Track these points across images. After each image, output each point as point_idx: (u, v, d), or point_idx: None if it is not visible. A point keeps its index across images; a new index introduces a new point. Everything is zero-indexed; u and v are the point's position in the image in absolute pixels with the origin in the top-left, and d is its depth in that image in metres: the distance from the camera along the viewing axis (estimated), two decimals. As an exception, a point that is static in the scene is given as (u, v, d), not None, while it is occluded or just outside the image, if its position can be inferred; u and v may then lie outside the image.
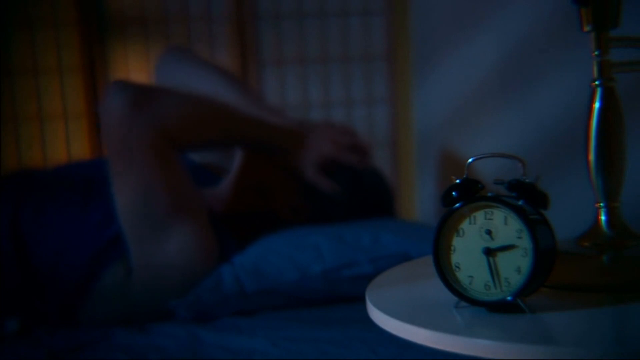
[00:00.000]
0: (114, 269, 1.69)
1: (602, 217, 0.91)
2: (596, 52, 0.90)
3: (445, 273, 0.82)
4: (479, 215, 0.82)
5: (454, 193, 0.82)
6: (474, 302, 0.81)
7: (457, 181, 0.83)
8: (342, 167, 1.95)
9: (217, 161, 2.12)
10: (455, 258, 0.82)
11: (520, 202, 0.80)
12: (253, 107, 2.03)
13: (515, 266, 0.79)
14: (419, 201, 2.80)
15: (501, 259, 0.80)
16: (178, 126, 1.73)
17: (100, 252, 1.71)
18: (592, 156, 0.91)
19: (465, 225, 0.82)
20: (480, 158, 0.83)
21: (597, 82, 0.91)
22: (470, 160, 0.83)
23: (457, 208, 0.82)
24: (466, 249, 0.82)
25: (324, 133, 1.95)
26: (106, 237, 1.73)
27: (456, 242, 0.83)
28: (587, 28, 0.90)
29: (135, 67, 2.68)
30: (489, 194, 0.81)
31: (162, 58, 2.22)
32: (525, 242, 0.79)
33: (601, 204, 0.91)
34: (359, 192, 1.98)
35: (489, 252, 0.81)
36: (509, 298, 0.79)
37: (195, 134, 1.78)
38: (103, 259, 1.70)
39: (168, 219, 1.66)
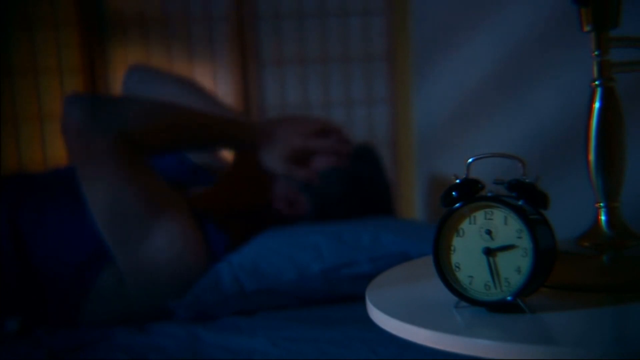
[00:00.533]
0: (110, 268, 1.69)
1: (602, 217, 0.91)
2: (596, 52, 0.90)
3: (445, 273, 0.82)
4: (479, 215, 0.82)
5: (454, 193, 0.82)
6: (474, 302, 0.81)
7: (457, 181, 0.83)
8: (324, 158, 1.95)
9: (215, 161, 2.13)
10: (455, 258, 0.82)
11: (520, 202, 0.80)
12: (213, 107, 2.06)
13: (515, 266, 0.79)
14: (419, 201, 2.80)
15: (501, 259, 0.80)
16: (139, 131, 1.74)
17: (98, 251, 1.71)
18: (592, 156, 0.91)
19: (465, 225, 0.82)
20: (480, 158, 0.83)
21: (597, 82, 0.91)
22: (470, 160, 0.83)
23: (457, 208, 0.82)
24: (466, 249, 0.82)
25: (288, 125, 1.95)
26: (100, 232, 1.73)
27: (456, 242, 0.83)
28: (587, 28, 0.90)
29: (135, 67, 2.68)
30: (489, 194, 0.81)
31: (126, 75, 2.25)
32: (525, 242, 0.79)
33: (601, 204, 0.91)
34: (352, 183, 1.98)
35: (489, 252, 0.81)
36: (509, 298, 0.79)
37: (156, 136, 1.80)
38: (101, 258, 1.70)
39: (144, 220, 1.67)
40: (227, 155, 2.20)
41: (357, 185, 2.00)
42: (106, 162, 1.68)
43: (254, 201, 1.96)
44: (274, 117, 2.22)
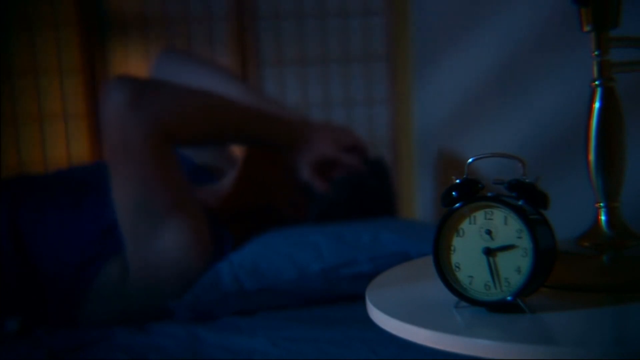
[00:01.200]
0: (109, 268, 1.69)
1: (602, 217, 0.91)
2: (596, 52, 0.90)
3: (445, 273, 0.82)
4: (479, 215, 0.82)
5: (454, 193, 0.82)
6: (474, 302, 0.81)
7: (457, 181, 0.83)
8: (345, 171, 1.95)
9: (214, 161, 2.13)
10: (455, 258, 0.83)
11: (520, 202, 0.80)
12: (258, 101, 2.02)
13: (515, 266, 0.79)
14: (419, 201, 2.80)
15: (501, 259, 0.80)
16: (176, 122, 1.73)
17: (98, 251, 1.71)
18: (592, 156, 0.91)
19: (465, 225, 0.82)
20: (480, 158, 0.83)
21: (597, 82, 0.91)
22: (470, 160, 0.83)
23: (457, 208, 0.82)
24: (466, 249, 0.82)
25: (326, 134, 1.95)
26: (99, 231, 1.73)
27: (456, 242, 0.83)
28: (587, 28, 0.90)
29: (136, 67, 2.68)
30: (489, 194, 0.81)
31: (159, 59, 2.22)
32: (525, 242, 0.79)
33: (601, 204, 0.91)
34: (361, 195, 1.98)
35: (489, 252, 0.81)
36: (509, 298, 0.79)
37: (192, 130, 1.78)
38: (101, 257, 1.70)
39: (165, 215, 1.66)
40: (236, 153, 2.18)
41: (363, 197, 2.00)
42: (139, 152, 1.67)
43: (261, 202, 1.96)
44: (314, 121, 2.17)
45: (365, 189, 1.99)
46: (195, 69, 2.14)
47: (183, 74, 2.10)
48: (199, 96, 1.83)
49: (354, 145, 1.98)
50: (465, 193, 0.82)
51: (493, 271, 0.80)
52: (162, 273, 1.66)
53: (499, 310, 0.80)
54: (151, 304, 1.64)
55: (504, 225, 0.80)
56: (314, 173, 1.91)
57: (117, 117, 1.68)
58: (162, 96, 1.76)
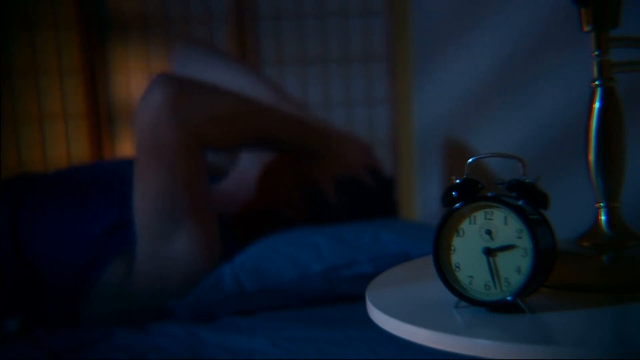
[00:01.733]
0: (113, 267, 1.69)
1: (602, 217, 0.91)
2: (596, 52, 0.90)
3: (445, 273, 0.82)
4: (479, 215, 0.82)
5: (454, 193, 0.82)
6: (474, 302, 0.81)
7: (457, 181, 0.83)
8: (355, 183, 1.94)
9: (215, 161, 2.12)
10: (455, 258, 0.83)
11: (520, 202, 0.80)
12: (281, 100, 2.01)
13: (515, 266, 0.79)
14: (419, 201, 2.80)
15: (501, 259, 0.80)
16: (212, 128, 1.71)
17: (97, 248, 1.71)
18: (592, 156, 0.91)
19: (465, 225, 0.82)
20: (480, 158, 0.83)
21: (597, 82, 0.91)
22: (470, 160, 0.83)
23: (457, 208, 0.82)
24: (466, 249, 0.82)
25: (353, 149, 1.93)
26: (99, 231, 1.73)
27: (456, 242, 0.83)
28: (587, 28, 0.90)
29: (136, 67, 2.68)
30: (489, 194, 0.81)
31: (181, 52, 2.19)
32: (525, 242, 0.79)
33: (601, 204, 0.91)
34: (364, 202, 1.98)
35: (489, 252, 0.81)
36: (509, 298, 0.79)
37: (227, 136, 1.77)
38: (101, 255, 1.70)
39: (184, 219, 1.65)
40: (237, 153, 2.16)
41: (365, 200, 1.99)
42: (169, 154, 1.66)
43: (267, 204, 1.95)
44: (342, 132, 2.11)
45: (367, 192, 1.99)
46: (218, 65, 2.11)
47: (207, 70, 2.07)
48: (236, 100, 1.81)
49: (375, 166, 1.98)
50: (465, 193, 0.82)
51: (493, 271, 0.80)
52: (169, 275, 1.66)
53: (499, 310, 0.80)
54: (153, 304, 1.64)
55: (504, 225, 0.80)
56: (332, 186, 1.90)
57: (153, 117, 1.66)
58: (200, 100, 1.74)
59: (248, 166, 1.98)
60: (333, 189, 1.89)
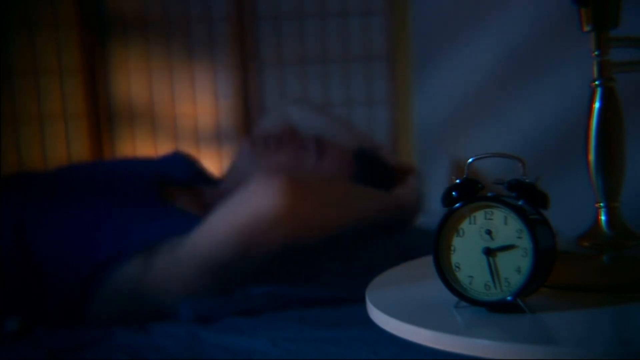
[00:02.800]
0: (129, 265, 1.68)
1: (602, 217, 0.91)
2: (596, 52, 0.90)
3: (445, 273, 0.82)
4: (479, 215, 0.82)
5: (454, 193, 0.82)
6: (474, 302, 0.81)
7: (457, 181, 0.83)
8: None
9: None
10: (455, 258, 0.83)
11: (520, 202, 0.80)
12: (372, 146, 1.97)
13: (515, 266, 0.79)
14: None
15: (501, 259, 0.80)
16: (311, 234, 1.68)
17: (100, 249, 1.70)
18: (592, 156, 0.91)
19: (465, 225, 0.82)
20: (480, 158, 0.83)
21: (597, 82, 0.91)
22: (470, 160, 0.83)
23: (457, 208, 0.82)
24: (466, 249, 0.82)
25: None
26: (103, 231, 1.72)
27: (456, 242, 0.83)
28: (587, 28, 0.90)
29: (136, 67, 2.68)
30: (489, 194, 0.81)
31: (291, 111, 2.13)
32: (525, 242, 0.79)
33: (601, 204, 0.91)
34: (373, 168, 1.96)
35: (489, 252, 0.81)
36: (509, 298, 0.79)
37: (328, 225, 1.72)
38: (103, 256, 1.70)
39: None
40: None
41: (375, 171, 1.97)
42: (265, 253, 1.64)
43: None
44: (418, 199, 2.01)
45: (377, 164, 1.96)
46: (320, 122, 2.06)
47: (312, 129, 2.01)
48: (342, 189, 1.78)
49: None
50: (465, 193, 0.82)
51: (493, 271, 0.80)
52: (190, 278, 1.65)
53: (499, 310, 0.80)
54: (165, 302, 1.63)
55: (504, 225, 0.80)
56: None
57: (259, 218, 1.62)
58: (308, 206, 1.67)
59: (244, 168, 1.98)
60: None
